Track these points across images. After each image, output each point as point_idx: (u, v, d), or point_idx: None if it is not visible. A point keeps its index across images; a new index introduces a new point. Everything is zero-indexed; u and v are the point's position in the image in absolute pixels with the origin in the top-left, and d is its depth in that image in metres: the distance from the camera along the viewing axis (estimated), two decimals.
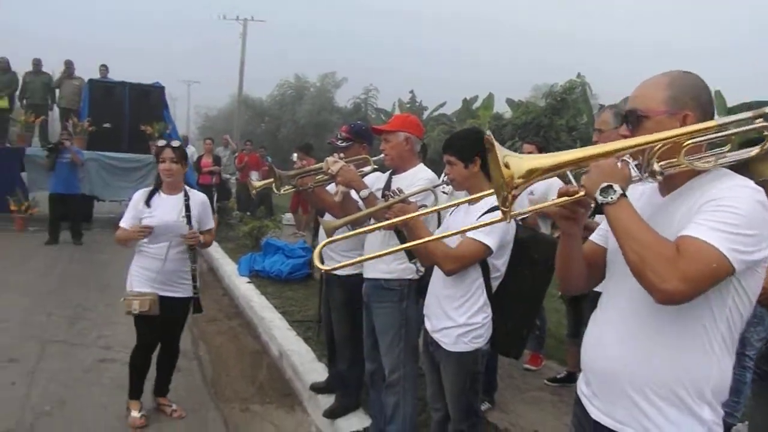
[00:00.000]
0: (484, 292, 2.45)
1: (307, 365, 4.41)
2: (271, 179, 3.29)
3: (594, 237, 1.72)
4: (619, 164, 1.42)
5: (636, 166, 1.44)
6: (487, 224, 1.99)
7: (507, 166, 1.39)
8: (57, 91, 12.82)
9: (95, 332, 5.31)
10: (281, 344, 4.89)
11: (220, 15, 31.19)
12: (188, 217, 3.64)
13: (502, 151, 1.41)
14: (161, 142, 3.69)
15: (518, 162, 1.41)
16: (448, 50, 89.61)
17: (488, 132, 1.54)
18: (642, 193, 1.58)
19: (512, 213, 1.49)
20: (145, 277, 3.59)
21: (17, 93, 12.47)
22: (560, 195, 1.48)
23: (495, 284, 2.48)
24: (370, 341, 3.14)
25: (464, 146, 2.57)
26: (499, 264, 2.47)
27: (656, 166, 1.44)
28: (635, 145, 1.45)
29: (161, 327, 3.67)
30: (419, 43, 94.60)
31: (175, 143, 3.70)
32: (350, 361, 3.49)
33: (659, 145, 1.42)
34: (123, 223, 3.61)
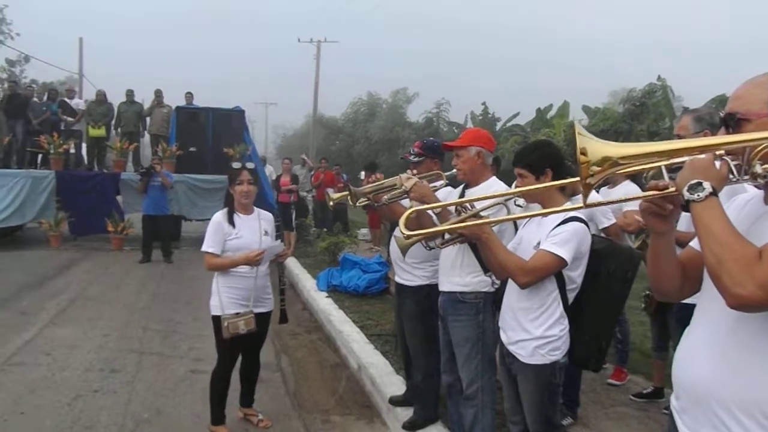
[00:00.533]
0: (560, 304, 2.44)
1: (385, 378, 4.48)
2: (346, 192, 3.42)
3: (693, 242, 1.62)
4: (717, 163, 1.34)
5: (735, 166, 1.35)
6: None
7: (584, 152, 1.34)
8: (148, 119, 13.72)
9: (186, 345, 5.64)
10: (359, 357, 4.99)
11: (296, 38, 32.27)
12: (279, 235, 3.84)
13: (582, 138, 1.36)
14: (236, 164, 3.81)
15: (596, 148, 1.34)
16: (519, 60, 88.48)
17: (576, 120, 1.51)
18: (746, 202, 1.51)
19: (594, 202, 1.41)
20: (237, 296, 3.66)
21: (113, 122, 13.43)
22: (649, 189, 1.42)
23: (571, 296, 2.46)
24: (446, 354, 3.17)
25: (534, 159, 2.58)
26: (575, 275, 2.45)
27: (759, 168, 1.32)
28: (735, 142, 1.35)
29: (247, 342, 3.77)
30: (490, 54, 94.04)
31: (250, 165, 3.84)
32: (425, 372, 3.53)
33: (764, 145, 1.31)
34: (211, 248, 3.61)
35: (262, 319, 3.79)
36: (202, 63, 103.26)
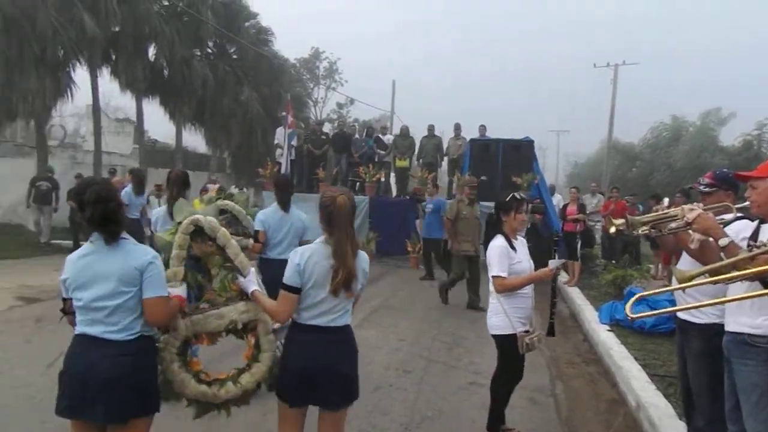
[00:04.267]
0: None
1: (666, 420, 4.23)
2: (623, 220, 3.44)
3: None
4: None
5: None
6: None
7: None
8: (445, 150, 15.07)
9: (468, 358, 6.13)
10: (639, 395, 4.79)
11: (591, 63, 31.52)
12: (555, 255, 4.08)
13: None
14: (518, 195, 4.09)
15: None
16: None
17: None
18: None
19: None
20: (521, 315, 3.94)
21: (415, 154, 15.13)
22: None
23: None
24: (732, 400, 2.93)
25: None
26: None
27: None
28: None
29: None
30: None
31: (524, 196, 4.16)
32: (709, 417, 3.29)
33: None
34: (502, 272, 3.86)
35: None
36: (495, 89, 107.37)
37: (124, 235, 2.65)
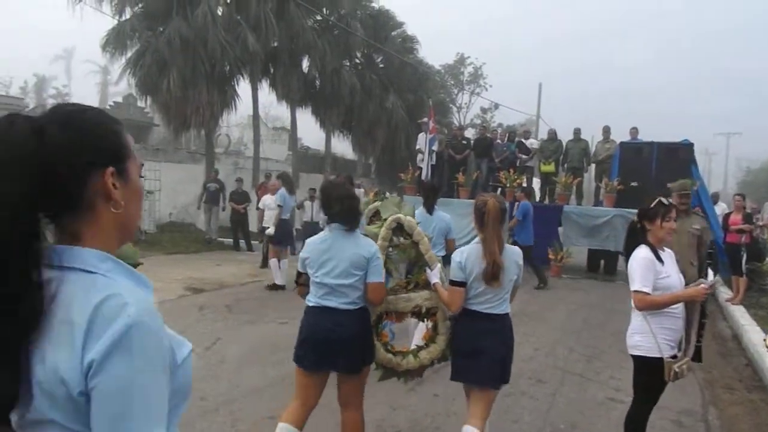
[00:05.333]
0: None
1: None
2: None
3: None
4: None
5: None
6: None
7: None
8: (592, 154, 14.35)
9: (607, 373, 5.81)
10: None
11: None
12: (708, 270, 3.72)
13: None
14: (665, 200, 3.67)
15: None
16: None
17: None
18: None
19: None
20: (671, 337, 3.47)
21: (560, 158, 14.57)
22: None
23: None
24: None
25: None
26: None
27: None
28: None
29: None
30: None
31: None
32: None
33: None
34: (646, 288, 3.40)
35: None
36: (649, 95, 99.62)
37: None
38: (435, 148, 14.95)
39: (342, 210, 3.21)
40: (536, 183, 15.94)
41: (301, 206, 13.95)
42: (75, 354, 0.92)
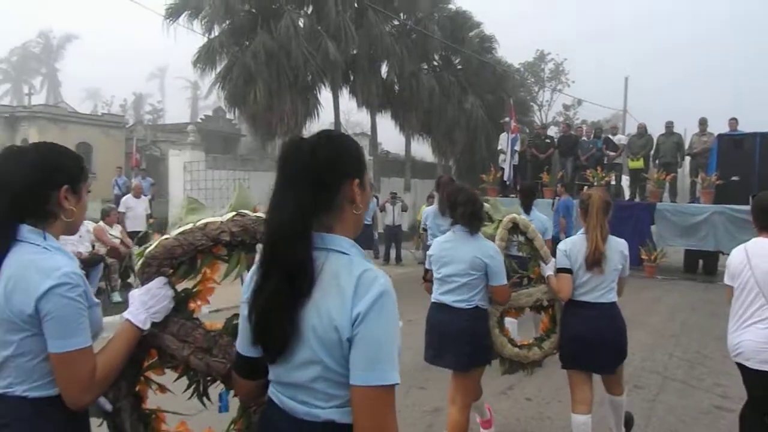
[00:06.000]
0: None
1: None
2: None
3: None
4: None
5: None
6: None
7: None
8: (686, 148, 13.60)
9: (712, 379, 5.50)
10: None
11: None
12: None
13: None
14: None
15: None
16: None
17: None
18: None
19: None
20: None
21: (651, 153, 13.89)
22: None
23: None
24: None
25: None
26: None
27: None
28: None
29: None
30: None
31: None
32: None
33: None
34: None
35: None
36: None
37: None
38: (517, 147, 14.72)
39: (465, 213, 3.40)
40: (625, 181, 15.32)
41: (383, 209, 14.14)
42: (345, 308, 1.27)
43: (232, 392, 1.74)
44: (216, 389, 1.83)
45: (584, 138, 15.08)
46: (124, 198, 11.42)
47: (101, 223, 8.89)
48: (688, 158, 13.89)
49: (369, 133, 23.84)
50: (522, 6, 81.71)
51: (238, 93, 17.10)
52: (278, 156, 1.40)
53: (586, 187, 13.83)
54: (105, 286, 8.45)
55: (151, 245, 1.78)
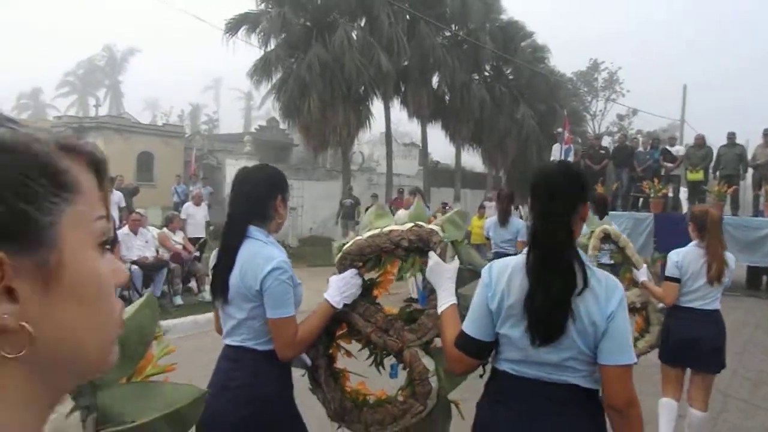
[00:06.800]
0: None
1: None
2: None
3: None
4: None
5: None
6: None
7: None
8: (749, 159, 13.12)
9: None
10: None
11: None
12: None
13: None
14: None
15: None
16: None
17: None
18: None
19: None
20: None
21: (711, 165, 13.46)
22: None
23: None
24: None
25: None
26: None
27: None
28: None
29: None
30: None
31: None
32: None
33: None
34: None
35: None
36: None
37: None
38: (570, 158, 14.52)
39: None
40: (683, 193, 14.88)
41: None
42: (602, 308, 1.66)
43: (401, 365, 2.13)
44: (388, 360, 2.23)
45: (641, 149, 14.75)
46: (185, 205, 11.85)
47: (165, 229, 9.28)
48: (750, 170, 13.39)
49: (419, 143, 23.99)
50: (577, 21, 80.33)
51: (292, 104, 17.52)
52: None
53: (642, 200, 13.57)
54: (167, 290, 8.78)
55: (347, 242, 2.24)
